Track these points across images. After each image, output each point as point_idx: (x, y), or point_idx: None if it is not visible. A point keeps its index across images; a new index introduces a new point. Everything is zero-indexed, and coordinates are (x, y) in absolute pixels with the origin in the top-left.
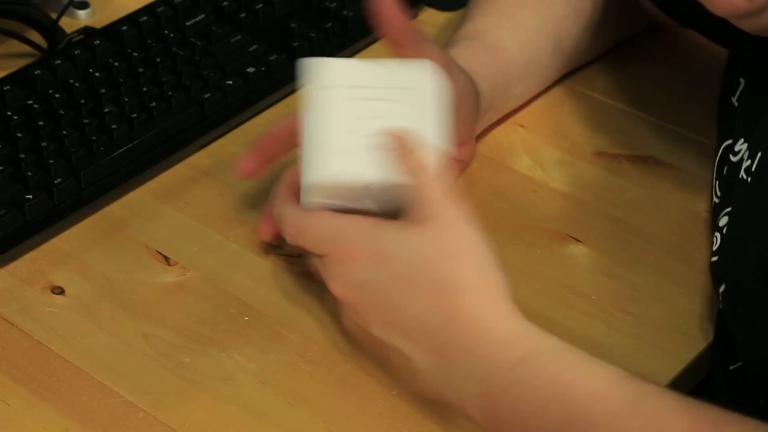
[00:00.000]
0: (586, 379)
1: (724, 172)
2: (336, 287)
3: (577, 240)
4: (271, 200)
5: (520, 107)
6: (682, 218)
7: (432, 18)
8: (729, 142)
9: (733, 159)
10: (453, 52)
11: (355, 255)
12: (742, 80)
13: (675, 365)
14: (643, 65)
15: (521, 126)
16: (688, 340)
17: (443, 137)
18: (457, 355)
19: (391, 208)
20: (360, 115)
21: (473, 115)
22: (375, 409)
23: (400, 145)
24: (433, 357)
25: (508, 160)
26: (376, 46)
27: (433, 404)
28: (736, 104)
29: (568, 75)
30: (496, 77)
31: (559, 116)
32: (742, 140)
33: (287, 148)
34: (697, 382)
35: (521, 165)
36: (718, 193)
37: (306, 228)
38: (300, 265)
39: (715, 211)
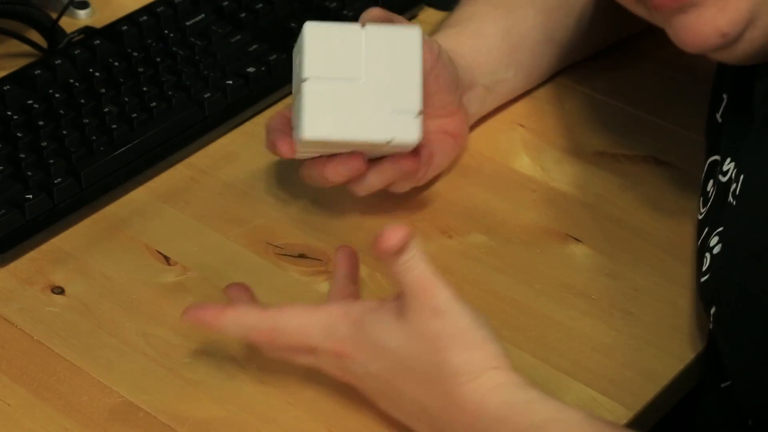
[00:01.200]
0: None
1: (708, 188)
2: (338, 376)
3: (577, 240)
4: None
5: (520, 107)
6: (682, 218)
7: (432, 18)
8: (715, 158)
9: (722, 179)
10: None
11: (348, 351)
12: (725, 96)
13: (675, 365)
14: (644, 65)
15: (521, 126)
16: (688, 340)
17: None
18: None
19: (377, 153)
20: (348, 76)
21: (454, 83)
22: (375, 409)
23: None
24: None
25: (508, 160)
26: None
27: None
28: (719, 120)
29: (568, 74)
30: (477, 57)
31: (559, 116)
32: (729, 159)
33: None
34: (685, 397)
35: (521, 165)
36: (701, 210)
37: (288, 329)
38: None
39: (700, 227)
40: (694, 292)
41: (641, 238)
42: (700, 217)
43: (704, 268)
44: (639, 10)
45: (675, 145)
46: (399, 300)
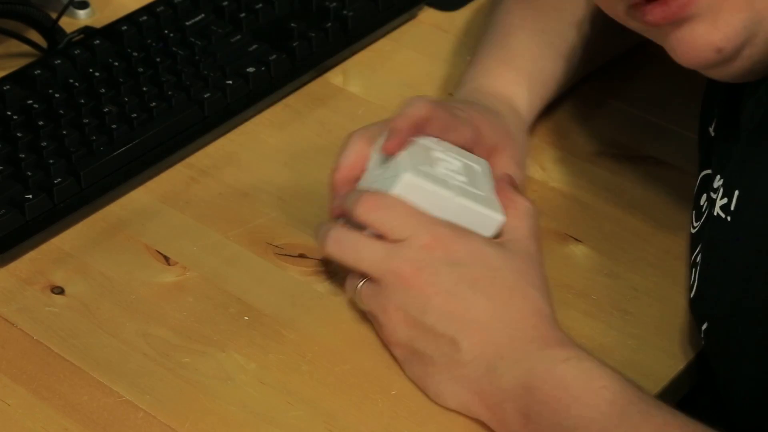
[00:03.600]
0: (619, 389)
1: (702, 202)
2: (409, 268)
3: (577, 240)
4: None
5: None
6: (682, 218)
7: (432, 18)
8: (707, 172)
9: (713, 196)
10: (503, 74)
11: (447, 244)
12: (717, 110)
13: (675, 365)
14: (644, 65)
15: None
16: (687, 340)
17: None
18: (512, 346)
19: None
20: (439, 160)
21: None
22: (375, 409)
23: (502, 189)
24: (486, 348)
25: None
26: (376, 46)
27: (433, 404)
28: (713, 134)
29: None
30: (536, 111)
31: (559, 116)
32: (718, 176)
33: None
34: (685, 397)
35: None
36: (695, 224)
37: (398, 209)
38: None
39: (692, 242)
40: (689, 292)
41: (641, 238)
42: (693, 231)
43: (691, 283)
44: (635, 27)
45: (675, 145)
46: (505, 236)
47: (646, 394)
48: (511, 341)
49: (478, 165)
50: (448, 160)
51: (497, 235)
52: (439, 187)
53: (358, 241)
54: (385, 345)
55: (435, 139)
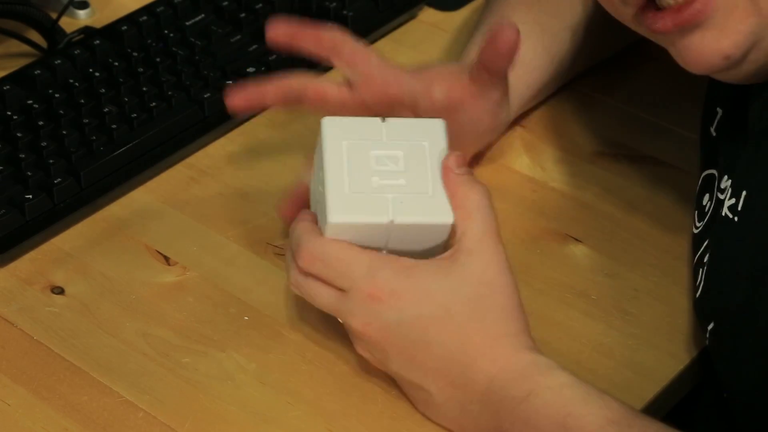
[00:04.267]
0: (583, 414)
1: (704, 202)
2: (358, 324)
3: (577, 240)
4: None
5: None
6: (681, 218)
7: (432, 18)
8: (711, 172)
9: (720, 196)
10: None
11: (389, 293)
12: (719, 110)
13: (675, 365)
14: (644, 65)
15: (521, 126)
16: (688, 340)
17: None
18: (474, 390)
19: (406, 252)
20: (376, 163)
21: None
22: (375, 409)
23: (448, 181)
24: (453, 391)
25: (508, 160)
26: (376, 46)
27: None
28: (714, 134)
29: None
30: (523, 98)
31: (559, 116)
32: (726, 177)
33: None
34: (685, 397)
35: (521, 165)
36: (698, 224)
37: (333, 258)
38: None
39: (695, 242)
40: (694, 291)
41: (641, 238)
42: (695, 231)
43: (698, 283)
44: (641, 31)
45: (675, 145)
46: (454, 246)
47: (619, 405)
48: (474, 384)
49: (425, 140)
50: (388, 155)
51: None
52: (372, 215)
53: (311, 288)
54: None
55: (378, 120)
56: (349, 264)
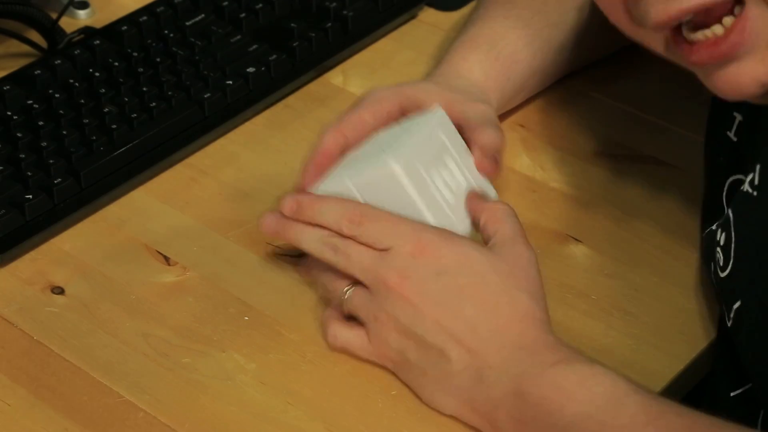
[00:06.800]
0: (608, 386)
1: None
2: (395, 278)
3: (577, 240)
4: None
5: (520, 107)
6: (682, 218)
7: (432, 18)
8: (737, 177)
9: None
10: (468, 56)
11: (432, 251)
12: (737, 115)
13: (675, 365)
14: (644, 65)
15: (521, 126)
16: (688, 340)
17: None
18: (498, 355)
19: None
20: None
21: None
22: (375, 409)
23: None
24: (473, 359)
25: (508, 160)
26: (376, 46)
27: None
28: (734, 139)
29: (568, 75)
30: (505, 91)
31: (559, 116)
32: (752, 175)
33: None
34: (685, 398)
35: (521, 165)
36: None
37: (382, 217)
38: (299, 265)
39: (706, 240)
40: (694, 292)
41: (641, 238)
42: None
43: (725, 263)
44: (672, 58)
45: (675, 145)
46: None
47: (642, 387)
48: (499, 350)
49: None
50: (452, 170)
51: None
52: (419, 191)
53: (349, 247)
54: (375, 358)
55: (458, 140)
56: (396, 223)
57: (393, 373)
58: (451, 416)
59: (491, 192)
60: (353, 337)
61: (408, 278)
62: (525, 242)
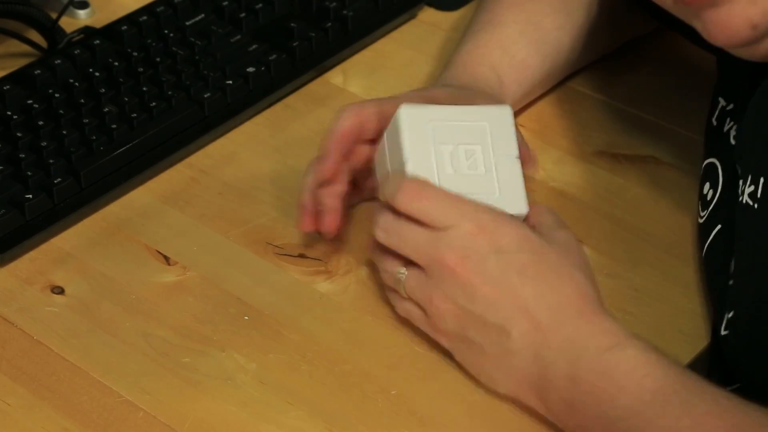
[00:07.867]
0: (659, 377)
1: (705, 191)
2: (454, 258)
3: (577, 240)
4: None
5: (520, 107)
6: (682, 218)
7: (432, 17)
8: (711, 161)
9: (741, 185)
10: (482, 61)
11: (491, 230)
12: (720, 100)
13: None
14: (644, 65)
15: (521, 126)
16: (688, 340)
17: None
18: (558, 334)
19: None
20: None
21: None
22: (375, 409)
23: None
24: (533, 336)
25: None
26: (376, 46)
27: (433, 404)
28: (714, 123)
29: (568, 75)
30: (516, 96)
31: (559, 116)
32: (753, 187)
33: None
34: None
35: None
36: (702, 213)
37: (441, 195)
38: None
39: (702, 232)
40: (694, 292)
41: (641, 238)
42: (701, 221)
43: (721, 272)
44: (664, 3)
45: (675, 145)
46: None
47: (691, 379)
48: (558, 328)
49: (491, 128)
50: (475, 158)
51: None
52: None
53: (403, 228)
54: (432, 335)
55: (508, 142)
56: (454, 203)
57: (393, 373)
58: (451, 417)
59: (519, 201)
60: (413, 308)
61: (467, 258)
62: (569, 229)
